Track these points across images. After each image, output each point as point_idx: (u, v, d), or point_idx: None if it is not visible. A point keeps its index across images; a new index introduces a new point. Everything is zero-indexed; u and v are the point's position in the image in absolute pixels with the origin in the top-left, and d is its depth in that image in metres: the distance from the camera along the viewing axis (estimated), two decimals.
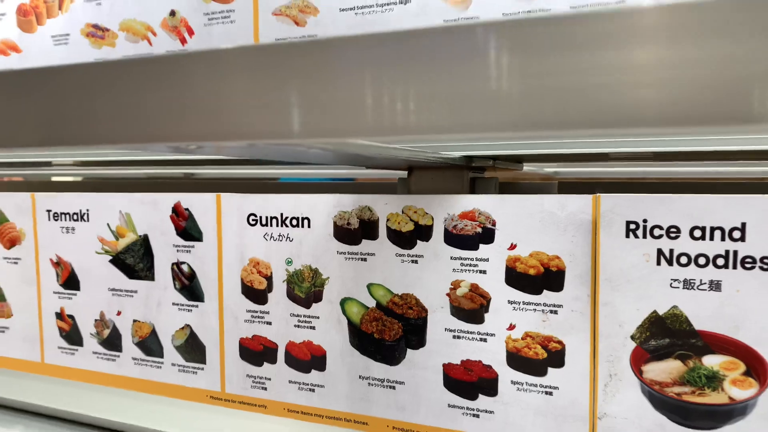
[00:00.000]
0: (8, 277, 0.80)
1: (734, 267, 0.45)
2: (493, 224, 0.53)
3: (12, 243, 0.78)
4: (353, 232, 0.59)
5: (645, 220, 0.47)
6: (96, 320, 0.74)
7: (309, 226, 0.61)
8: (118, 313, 0.73)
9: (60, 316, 0.76)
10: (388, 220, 0.57)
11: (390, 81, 0.24)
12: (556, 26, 0.20)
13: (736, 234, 0.45)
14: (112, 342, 0.73)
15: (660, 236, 0.47)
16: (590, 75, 0.20)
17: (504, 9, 0.54)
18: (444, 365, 0.56)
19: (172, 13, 0.66)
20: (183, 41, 0.67)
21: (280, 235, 0.62)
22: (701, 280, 0.46)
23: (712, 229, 0.46)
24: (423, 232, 0.56)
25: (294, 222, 0.61)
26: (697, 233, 0.46)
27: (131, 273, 0.71)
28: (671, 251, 0.47)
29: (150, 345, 0.71)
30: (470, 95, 0.22)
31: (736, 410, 0.47)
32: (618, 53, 0.20)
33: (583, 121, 0.21)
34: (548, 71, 0.21)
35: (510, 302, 0.53)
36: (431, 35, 0.23)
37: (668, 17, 0.19)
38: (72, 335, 0.76)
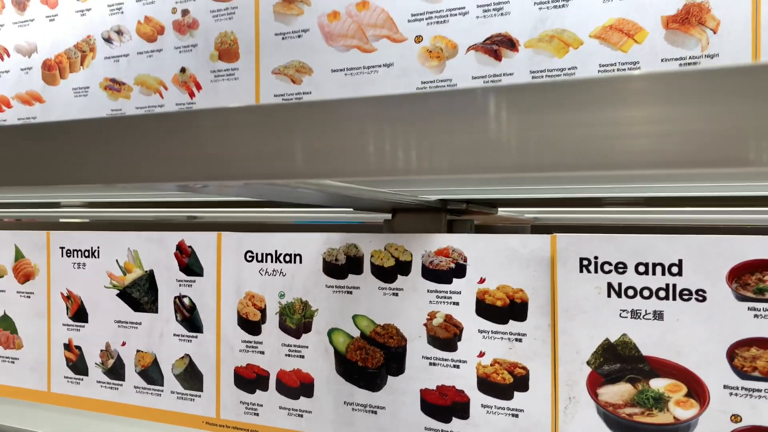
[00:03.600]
0: (21, 310, 0.85)
1: (674, 299, 0.51)
2: (465, 260, 0.59)
3: (26, 278, 0.84)
4: (341, 267, 0.65)
5: (596, 257, 0.54)
6: (102, 351, 0.79)
7: (301, 262, 0.67)
8: (123, 344, 0.78)
9: (68, 347, 0.82)
10: (372, 256, 0.63)
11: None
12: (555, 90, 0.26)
13: (674, 269, 0.51)
14: (115, 371, 0.78)
15: (609, 271, 0.53)
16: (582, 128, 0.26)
17: (473, 73, 0.61)
18: (421, 390, 0.61)
19: (183, 70, 0.74)
20: (191, 95, 0.74)
21: (274, 270, 0.68)
22: (646, 311, 0.52)
23: (654, 265, 0.52)
24: (403, 268, 0.62)
25: (287, 258, 0.67)
26: (641, 268, 0.52)
27: (137, 306, 0.77)
28: (620, 284, 0.53)
29: (151, 374, 0.76)
30: (482, 143, 0.28)
31: (680, 429, 0.52)
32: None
33: (577, 164, 0.26)
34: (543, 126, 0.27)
35: (480, 331, 0.59)
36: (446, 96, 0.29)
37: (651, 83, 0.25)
38: (78, 365, 0.81)
